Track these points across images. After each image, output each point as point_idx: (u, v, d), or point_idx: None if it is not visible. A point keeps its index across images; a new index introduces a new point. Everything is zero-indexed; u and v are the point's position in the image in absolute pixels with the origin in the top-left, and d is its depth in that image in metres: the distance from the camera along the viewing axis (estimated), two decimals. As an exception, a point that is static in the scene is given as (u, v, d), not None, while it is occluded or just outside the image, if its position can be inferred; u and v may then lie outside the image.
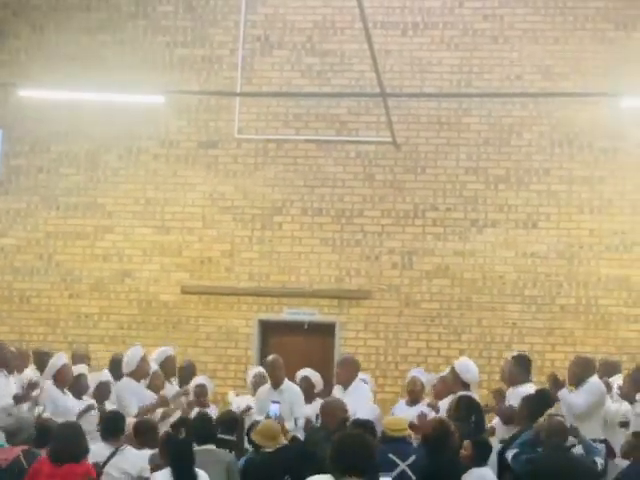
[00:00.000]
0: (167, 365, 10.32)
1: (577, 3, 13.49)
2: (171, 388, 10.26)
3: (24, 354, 10.47)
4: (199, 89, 13.79)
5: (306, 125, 13.74)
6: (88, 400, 9.48)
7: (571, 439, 7.98)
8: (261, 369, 10.91)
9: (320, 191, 13.59)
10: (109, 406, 9.47)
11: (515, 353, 10.20)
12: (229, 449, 8.01)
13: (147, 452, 7.71)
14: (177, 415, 9.25)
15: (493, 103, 13.44)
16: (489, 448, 7.82)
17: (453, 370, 9.77)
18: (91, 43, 13.98)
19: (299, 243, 13.53)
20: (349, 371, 10.17)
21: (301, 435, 9.30)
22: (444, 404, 9.38)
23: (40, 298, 13.74)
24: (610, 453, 8.87)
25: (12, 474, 7.34)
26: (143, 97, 12.87)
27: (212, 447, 7.75)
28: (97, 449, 7.69)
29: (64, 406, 9.14)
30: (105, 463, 7.57)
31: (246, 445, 8.65)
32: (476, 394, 9.69)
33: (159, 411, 9.28)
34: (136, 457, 7.64)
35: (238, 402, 10.66)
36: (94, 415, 9.11)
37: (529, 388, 9.08)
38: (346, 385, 10.02)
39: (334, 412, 8.46)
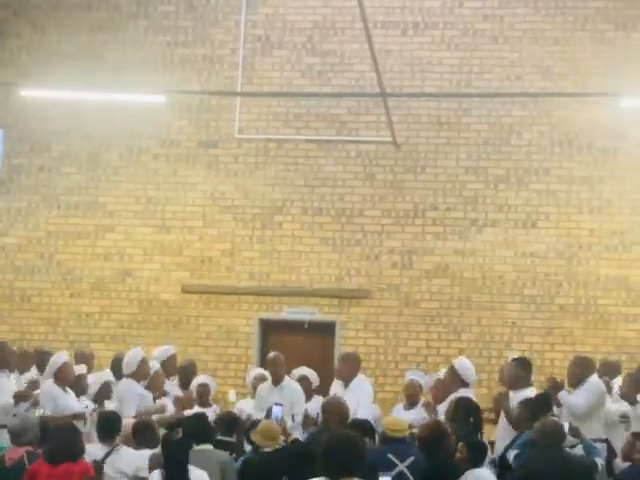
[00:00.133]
0: (169, 364, 10.34)
1: (577, 3, 13.52)
2: (171, 386, 10.28)
3: (28, 355, 10.45)
4: (200, 89, 13.82)
5: (306, 125, 13.77)
6: (87, 400, 9.50)
7: (572, 439, 8.00)
8: (261, 370, 10.93)
9: (320, 191, 13.62)
10: (108, 405, 9.49)
11: (515, 355, 10.22)
12: (229, 451, 8.01)
13: (144, 452, 7.73)
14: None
15: (493, 103, 13.47)
16: (484, 449, 7.82)
17: (453, 369, 9.79)
18: (92, 43, 14.01)
19: (299, 242, 13.56)
20: (350, 367, 10.21)
21: (299, 431, 9.37)
22: (443, 407, 9.39)
23: (41, 297, 13.77)
24: (611, 453, 8.88)
25: (15, 474, 7.36)
26: (144, 97, 12.88)
27: (208, 447, 7.74)
28: (93, 449, 7.71)
29: (64, 404, 9.15)
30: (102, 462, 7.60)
31: (246, 446, 8.66)
32: (474, 393, 9.71)
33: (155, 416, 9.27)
34: (131, 457, 7.66)
35: (240, 407, 10.65)
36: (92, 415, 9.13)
37: (531, 392, 9.04)
38: (347, 381, 10.05)
39: (336, 411, 8.46)
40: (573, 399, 8.90)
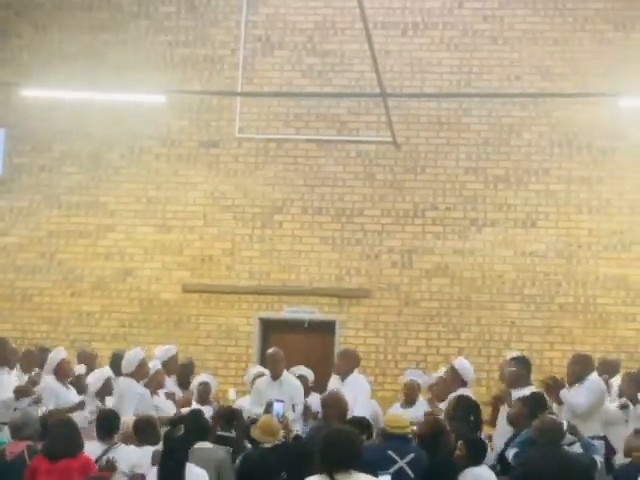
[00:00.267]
0: (170, 364, 10.37)
1: (576, 4, 13.56)
2: (171, 385, 10.31)
3: (32, 354, 10.42)
4: (200, 89, 13.86)
5: (306, 125, 13.81)
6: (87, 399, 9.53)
7: (570, 437, 8.02)
8: (261, 369, 10.96)
9: (320, 190, 13.66)
10: (109, 401, 9.52)
11: (514, 354, 10.24)
12: (229, 446, 8.02)
13: (141, 449, 7.80)
14: None
15: (493, 103, 13.52)
16: (483, 447, 7.85)
17: (453, 369, 9.82)
18: (93, 43, 14.06)
19: (299, 242, 13.60)
20: (348, 363, 10.26)
21: (299, 423, 9.41)
22: (442, 406, 9.43)
23: (42, 296, 13.81)
24: (610, 450, 8.91)
25: (15, 468, 7.39)
26: (145, 96, 12.93)
27: (206, 445, 7.73)
28: (91, 447, 7.73)
29: (66, 400, 9.18)
30: (97, 460, 7.60)
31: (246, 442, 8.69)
32: (473, 392, 9.75)
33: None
34: (128, 454, 7.69)
35: (240, 405, 10.68)
36: (90, 412, 9.15)
37: (530, 391, 9.03)
38: (344, 376, 10.11)
39: (335, 405, 8.49)
40: (574, 398, 8.89)
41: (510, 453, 7.97)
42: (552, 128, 13.46)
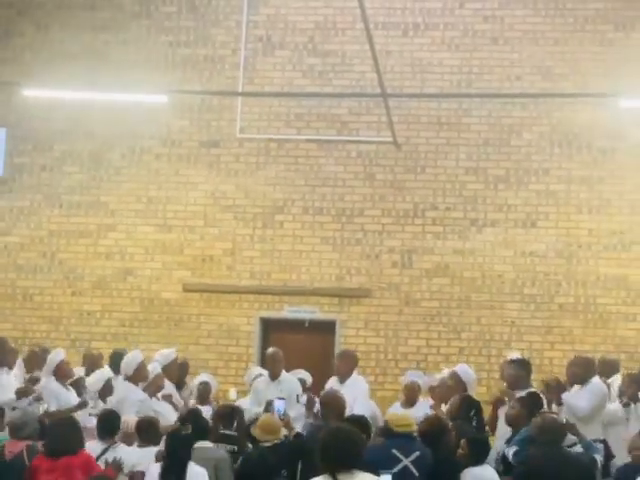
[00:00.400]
0: (170, 368, 10.34)
1: (577, 4, 13.58)
2: (169, 388, 10.30)
3: (36, 356, 10.42)
4: (201, 89, 13.88)
5: (307, 125, 13.83)
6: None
7: (572, 438, 8.01)
8: (261, 370, 10.97)
9: (321, 190, 13.68)
10: (110, 400, 9.53)
11: (514, 355, 10.24)
12: (232, 444, 8.03)
13: (139, 449, 7.86)
14: None
15: (493, 104, 13.53)
16: (486, 446, 7.86)
17: (456, 374, 9.82)
18: (95, 42, 14.08)
19: (300, 242, 13.62)
20: (347, 364, 10.27)
21: (301, 419, 9.45)
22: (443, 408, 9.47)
23: (43, 296, 13.83)
24: (608, 454, 8.88)
25: (14, 468, 7.38)
26: (146, 96, 12.94)
27: (206, 444, 7.73)
28: (91, 446, 7.74)
29: (66, 400, 9.18)
30: (97, 459, 7.61)
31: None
32: (474, 394, 9.78)
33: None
34: (127, 454, 7.71)
35: (240, 405, 10.68)
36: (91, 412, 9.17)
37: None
38: (343, 378, 10.13)
39: (334, 404, 8.50)
40: (575, 400, 8.88)
41: (510, 451, 7.94)
42: (552, 128, 13.48)
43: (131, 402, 9.22)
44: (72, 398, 9.30)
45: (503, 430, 8.93)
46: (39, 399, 9.06)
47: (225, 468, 7.63)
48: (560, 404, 9.05)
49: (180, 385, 10.75)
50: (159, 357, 10.35)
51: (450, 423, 8.25)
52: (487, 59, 13.67)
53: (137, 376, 9.60)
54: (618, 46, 13.44)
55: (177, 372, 10.64)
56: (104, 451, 7.72)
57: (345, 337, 13.36)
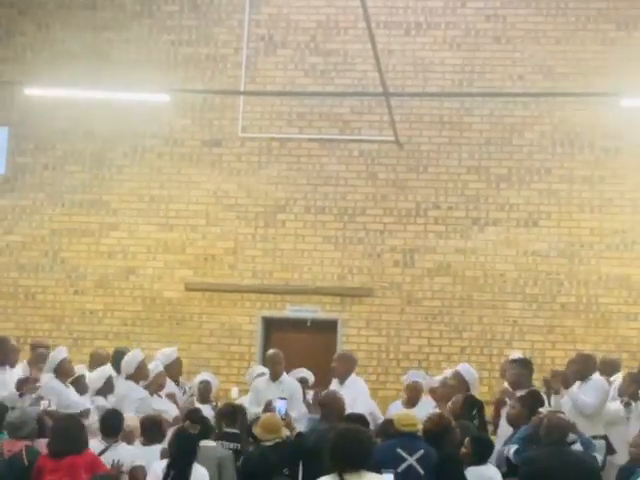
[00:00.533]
0: (172, 366, 10.37)
1: (579, 4, 13.57)
2: (171, 386, 10.32)
3: (42, 356, 10.39)
4: (203, 88, 13.89)
5: (309, 124, 13.83)
6: (87, 399, 9.54)
7: (572, 436, 8.01)
8: (263, 369, 10.99)
9: (323, 189, 13.68)
10: (110, 399, 9.55)
11: (515, 354, 10.24)
12: (236, 442, 8.04)
13: (146, 448, 7.90)
14: None
15: (495, 103, 13.52)
16: (489, 446, 7.87)
17: (458, 374, 9.83)
18: (96, 41, 14.08)
19: (302, 241, 13.62)
20: (346, 366, 10.29)
21: (303, 414, 9.50)
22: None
23: (45, 295, 13.84)
24: (609, 449, 8.92)
25: (12, 468, 7.38)
26: (148, 95, 12.93)
27: (209, 443, 7.76)
28: (92, 445, 7.71)
29: (67, 399, 9.17)
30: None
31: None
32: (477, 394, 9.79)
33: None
34: (128, 452, 7.73)
35: (242, 403, 10.70)
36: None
37: None
38: (342, 379, 10.15)
39: (333, 405, 8.51)
40: (584, 398, 8.87)
41: (511, 450, 7.95)
42: (554, 127, 13.48)
43: (131, 400, 9.25)
44: (72, 396, 9.28)
45: (505, 430, 8.95)
46: (40, 398, 9.05)
47: (228, 467, 7.65)
48: (557, 393, 8.98)
49: (176, 383, 10.74)
50: (160, 356, 10.38)
51: (454, 422, 8.24)
52: (489, 58, 13.67)
53: (138, 375, 9.62)
54: (620, 45, 13.43)
55: (179, 371, 10.66)
56: (104, 450, 7.72)
57: (347, 336, 13.37)
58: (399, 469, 7.27)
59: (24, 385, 9.12)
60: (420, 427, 7.76)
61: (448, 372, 10.46)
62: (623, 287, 13.09)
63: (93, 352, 11.25)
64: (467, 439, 7.71)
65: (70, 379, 9.49)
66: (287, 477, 7.70)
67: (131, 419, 8.46)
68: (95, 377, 9.83)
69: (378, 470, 6.07)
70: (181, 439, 7.30)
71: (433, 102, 13.64)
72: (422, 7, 13.82)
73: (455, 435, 7.82)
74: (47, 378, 9.33)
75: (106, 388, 9.70)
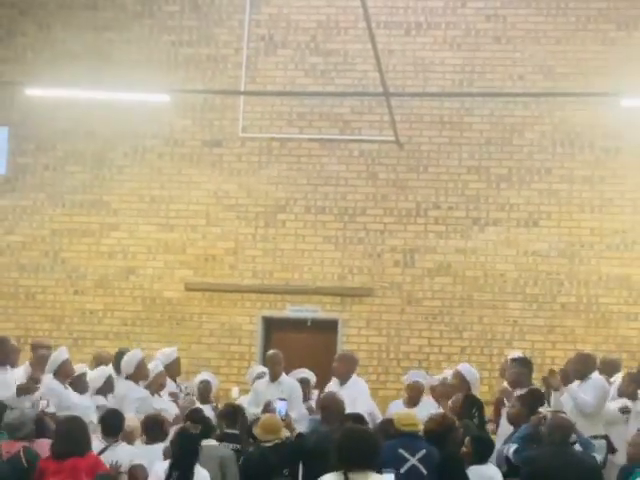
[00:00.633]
0: (172, 366, 10.37)
1: (579, 4, 13.58)
2: (173, 387, 10.33)
3: (44, 358, 10.40)
4: (204, 88, 13.89)
5: (310, 124, 13.84)
6: (88, 398, 9.54)
7: (572, 436, 8.03)
8: (263, 368, 10.99)
9: (323, 189, 13.69)
10: (110, 399, 9.55)
11: (515, 353, 10.24)
12: (236, 443, 8.05)
13: (144, 447, 7.92)
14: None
15: (495, 103, 13.53)
16: (490, 445, 7.87)
17: (460, 373, 9.83)
18: (97, 42, 14.09)
19: (302, 241, 13.63)
20: (346, 366, 10.30)
21: (303, 414, 9.51)
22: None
23: (45, 295, 13.85)
24: (611, 449, 8.91)
25: (11, 468, 7.36)
26: (148, 96, 12.95)
27: (211, 442, 7.76)
28: (93, 445, 7.68)
29: (68, 400, 9.16)
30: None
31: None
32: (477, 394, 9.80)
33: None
34: (126, 452, 7.72)
35: (242, 404, 10.71)
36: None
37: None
38: (343, 380, 10.15)
39: (333, 407, 8.52)
40: (583, 397, 8.87)
41: (510, 450, 7.94)
42: (554, 127, 13.48)
43: (131, 400, 9.25)
44: (73, 397, 9.27)
45: (505, 429, 8.96)
46: (41, 399, 9.03)
47: (230, 466, 7.66)
48: (556, 390, 8.97)
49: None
50: (161, 356, 10.39)
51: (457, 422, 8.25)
52: (489, 58, 13.67)
53: (137, 374, 9.62)
54: (620, 45, 13.43)
55: (178, 371, 10.67)
56: (103, 450, 7.72)
57: (347, 336, 13.37)
58: (402, 470, 7.26)
59: (24, 393, 9.11)
60: (421, 427, 7.76)
61: (448, 372, 10.48)
62: (623, 287, 13.09)
63: (96, 354, 11.25)
64: (467, 438, 7.72)
65: (70, 380, 9.49)
66: (287, 478, 7.71)
67: (131, 419, 8.47)
68: (95, 376, 9.82)
69: (379, 470, 6.06)
70: (183, 439, 7.30)
71: (433, 102, 13.65)
72: (422, 7, 13.83)
73: (458, 435, 7.82)
74: (47, 379, 9.32)
75: (106, 387, 9.69)
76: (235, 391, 11.74)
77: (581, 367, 9.23)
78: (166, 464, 7.19)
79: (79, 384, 9.48)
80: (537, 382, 9.69)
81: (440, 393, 10.19)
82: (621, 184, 13.26)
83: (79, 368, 9.74)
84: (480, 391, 10.33)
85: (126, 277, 13.76)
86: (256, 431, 7.85)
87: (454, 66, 13.70)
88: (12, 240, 14.01)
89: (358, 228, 13.56)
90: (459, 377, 9.80)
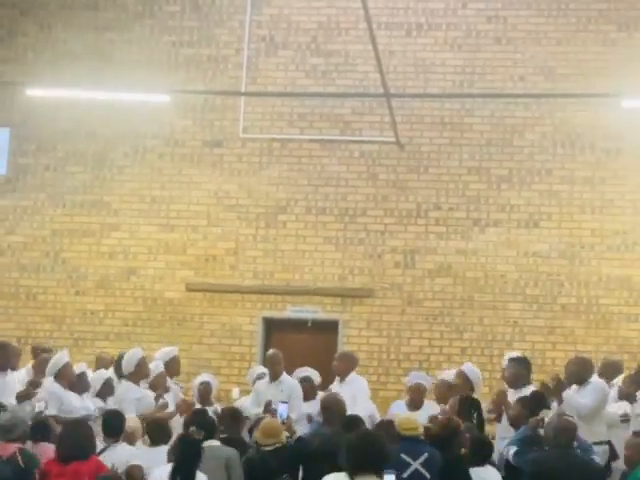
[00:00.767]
0: (172, 365, 10.38)
1: (580, 5, 13.58)
2: (173, 386, 10.33)
3: (45, 361, 10.38)
4: (204, 88, 13.90)
5: (310, 125, 13.84)
6: (88, 398, 9.55)
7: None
8: (264, 369, 10.99)
9: (324, 190, 13.69)
10: (110, 402, 9.55)
11: (514, 355, 10.25)
12: (235, 447, 8.05)
13: (143, 448, 7.98)
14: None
15: (496, 104, 13.53)
16: (489, 447, 7.88)
17: (463, 373, 9.84)
18: (98, 42, 14.10)
19: (303, 241, 13.63)
20: (346, 364, 10.35)
21: (303, 415, 9.54)
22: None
23: (46, 295, 13.85)
24: (613, 455, 8.89)
25: (8, 470, 7.33)
26: (149, 96, 12.97)
27: (214, 443, 7.77)
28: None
29: (69, 404, 9.15)
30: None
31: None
32: (479, 395, 9.81)
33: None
34: (125, 453, 7.73)
35: (243, 405, 10.72)
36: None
37: (530, 390, 9.07)
38: (343, 377, 10.20)
39: (335, 408, 8.52)
40: (579, 400, 8.87)
41: (510, 452, 7.94)
42: (555, 128, 13.48)
43: (129, 401, 9.26)
44: (74, 400, 9.27)
45: (503, 431, 8.98)
46: (37, 400, 9.03)
47: (235, 466, 7.67)
48: (561, 402, 9.01)
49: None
50: (160, 355, 10.39)
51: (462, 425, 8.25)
52: (490, 59, 13.67)
53: (138, 373, 9.63)
54: (621, 46, 13.43)
55: (177, 370, 10.66)
56: (102, 450, 7.73)
57: (348, 337, 13.38)
58: (404, 474, 7.26)
59: (24, 399, 9.10)
60: (421, 430, 7.76)
61: (447, 372, 10.48)
62: (624, 288, 13.09)
63: (98, 356, 11.26)
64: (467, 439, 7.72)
65: (69, 383, 9.48)
66: (287, 481, 7.72)
67: (132, 420, 8.48)
68: (93, 379, 9.82)
69: (380, 473, 6.08)
70: (185, 444, 7.30)
71: (434, 103, 13.65)
72: (423, 8, 13.83)
73: (463, 438, 7.81)
74: (48, 382, 9.32)
75: (105, 390, 9.69)
76: (236, 392, 11.73)
77: (579, 370, 9.19)
78: (168, 467, 7.19)
79: (80, 383, 9.49)
80: (537, 383, 9.69)
81: (438, 394, 10.18)
82: (622, 185, 13.26)
83: (79, 367, 9.75)
84: (481, 392, 10.33)
85: (127, 277, 13.76)
86: (256, 435, 7.85)
87: (455, 67, 13.70)
88: (13, 240, 14.02)
89: (359, 229, 13.56)
90: (462, 377, 9.82)
